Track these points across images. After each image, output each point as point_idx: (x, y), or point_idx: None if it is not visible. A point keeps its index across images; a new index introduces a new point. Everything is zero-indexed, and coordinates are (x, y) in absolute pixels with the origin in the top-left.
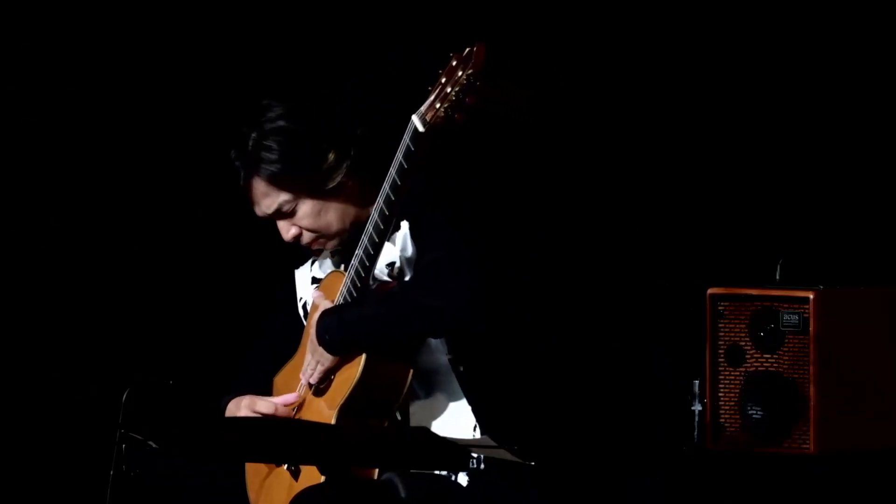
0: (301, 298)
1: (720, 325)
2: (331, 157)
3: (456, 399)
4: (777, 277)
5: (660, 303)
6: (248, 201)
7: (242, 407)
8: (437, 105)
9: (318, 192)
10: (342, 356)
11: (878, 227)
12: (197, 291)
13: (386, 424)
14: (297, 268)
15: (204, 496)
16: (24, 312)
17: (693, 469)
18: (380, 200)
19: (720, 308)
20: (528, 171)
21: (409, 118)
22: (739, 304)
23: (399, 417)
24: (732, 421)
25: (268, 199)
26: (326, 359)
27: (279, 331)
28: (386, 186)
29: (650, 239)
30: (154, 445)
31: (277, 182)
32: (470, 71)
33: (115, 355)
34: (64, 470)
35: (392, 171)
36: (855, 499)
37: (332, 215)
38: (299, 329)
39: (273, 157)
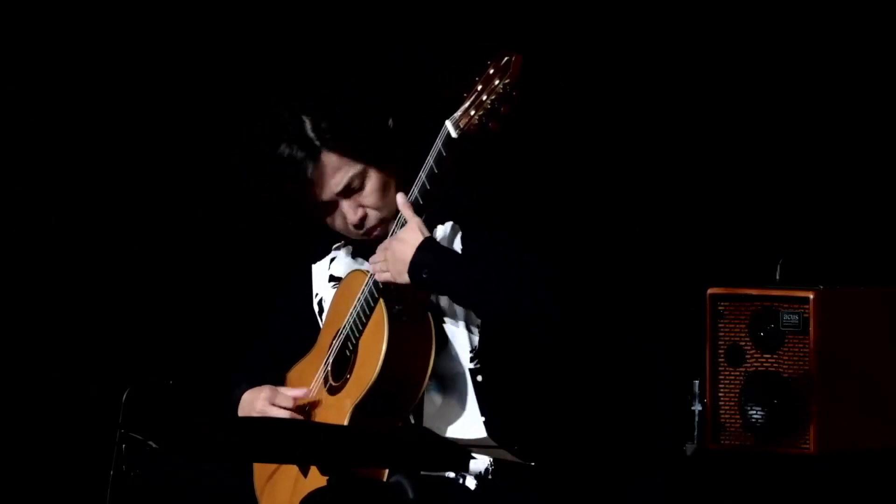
0: (317, 294)
1: (720, 325)
2: (390, 122)
3: (469, 408)
4: (777, 277)
5: (660, 303)
6: (308, 191)
7: (261, 399)
8: (472, 112)
9: (385, 159)
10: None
11: (878, 227)
12: (197, 291)
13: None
14: (315, 262)
15: (204, 496)
16: (24, 312)
17: (693, 469)
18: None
19: (720, 308)
20: (534, 174)
21: (443, 123)
22: (739, 304)
23: (413, 421)
24: (732, 421)
25: (339, 174)
26: (403, 281)
27: (280, 331)
28: (415, 190)
29: (650, 239)
30: (154, 445)
31: (349, 150)
32: (507, 80)
33: (115, 355)
34: (64, 470)
35: (422, 175)
36: (855, 499)
37: (394, 190)
38: (310, 326)
39: (341, 125)
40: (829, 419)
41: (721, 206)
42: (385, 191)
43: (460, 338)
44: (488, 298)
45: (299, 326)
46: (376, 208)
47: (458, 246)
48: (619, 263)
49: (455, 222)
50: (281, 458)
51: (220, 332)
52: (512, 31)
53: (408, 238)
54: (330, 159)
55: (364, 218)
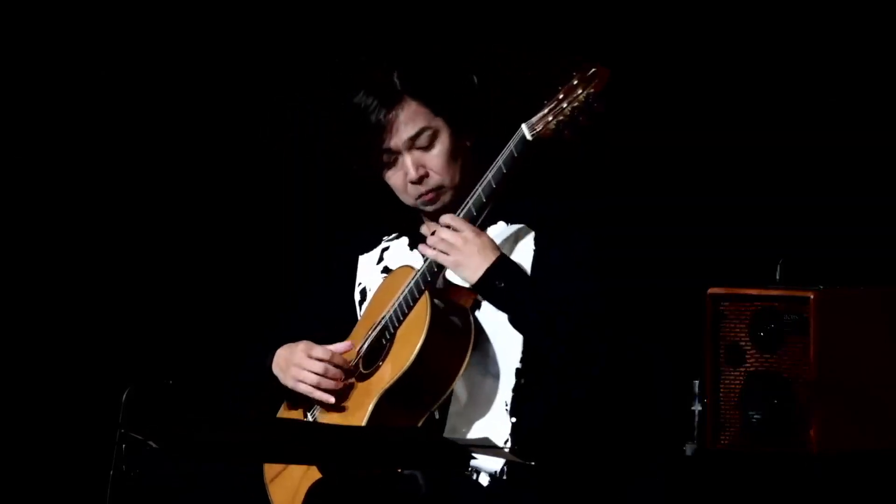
0: (360, 283)
1: (720, 325)
2: (475, 79)
3: (495, 410)
4: (777, 277)
5: (660, 303)
6: (375, 139)
7: (298, 351)
8: (550, 118)
9: (460, 124)
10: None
11: (878, 227)
12: (197, 291)
13: (423, 419)
14: (362, 253)
15: (204, 496)
16: (24, 312)
17: (693, 469)
18: (469, 202)
19: (720, 308)
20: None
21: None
22: (739, 304)
23: (437, 416)
24: (732, 421)
25: (413, 123)
26: (470, 276)
27: (314, 314)
28: (478, 189)
29: (651, 239)
30: (154, 445)
31: (430, 100)
32: (591, 90)
33: (115, 355)
34: (64, 470)
35: (488, 175)
36: (855, 499)
37: (459, 165)
38: (347, 314)
39: (428, 76)
40: (829, 419)
41: (722, 206)
42: (451, 158)
43: (502, 338)
44: (542, 331)
45: (336, 312)
46: (438, 172)
47: (522, 249)
48: (616, 261)
49: (527, 226)
50: (281, 459)
51: (219, 333)
52: (515, 32)
53: (489, 242)
54: (407, 108)
55: (424, 177)
